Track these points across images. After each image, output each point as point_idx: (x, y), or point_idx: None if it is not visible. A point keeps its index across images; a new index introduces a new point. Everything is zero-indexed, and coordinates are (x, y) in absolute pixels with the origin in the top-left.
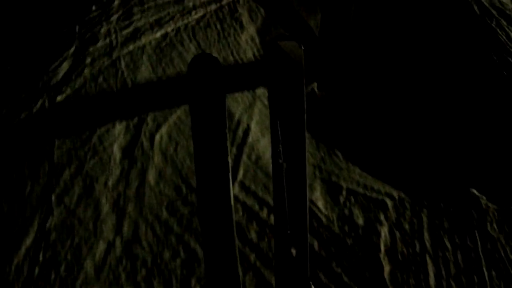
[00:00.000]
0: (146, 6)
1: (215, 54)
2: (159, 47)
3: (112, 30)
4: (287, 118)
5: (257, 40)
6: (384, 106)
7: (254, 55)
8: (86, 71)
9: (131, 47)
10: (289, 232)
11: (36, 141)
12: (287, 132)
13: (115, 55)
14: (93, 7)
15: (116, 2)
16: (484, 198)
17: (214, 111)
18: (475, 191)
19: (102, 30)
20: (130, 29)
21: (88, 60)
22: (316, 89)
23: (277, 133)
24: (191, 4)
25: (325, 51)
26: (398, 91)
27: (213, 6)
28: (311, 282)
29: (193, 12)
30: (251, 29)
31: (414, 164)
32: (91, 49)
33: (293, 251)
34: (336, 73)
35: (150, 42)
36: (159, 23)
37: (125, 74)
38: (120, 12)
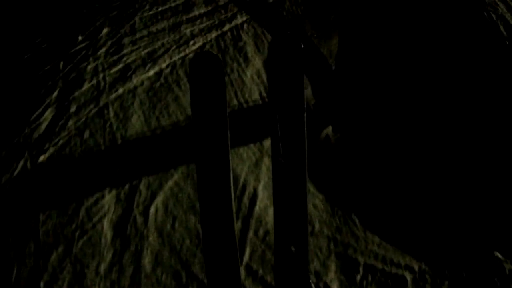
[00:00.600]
0: (137, 35)
1: None
2: (152, 88)
3: (100, 68)
4: (287, 112)
5: (263, 76)
6: (403, 154)
7: (260, 95)
8: (71, 122)
9: (120, 90)
10: (289, 230)
11: (19, 214)
12: (286, 128)
13: (102, 101)
14: (80, 37)
15: (104, 31)
16: (509, 262)
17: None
18: (499, 255)
19: (89, 68)
20: (120, 66)
21: (73, 108)
22: (330, 134)
23: (277, 130)
24: (188, 31)
25: (342, 84)
26: (420, 132)
27: (214, 34)
28: (311, 281)
29: (191, 42)
30: (257, 62)
31: (435, 225)
32: (76, 93)
33: (293, 249)
34: (354, 111)
35: (142, 83)
36: (152, 57)
37: (114, 126)
38: (109, 44)
